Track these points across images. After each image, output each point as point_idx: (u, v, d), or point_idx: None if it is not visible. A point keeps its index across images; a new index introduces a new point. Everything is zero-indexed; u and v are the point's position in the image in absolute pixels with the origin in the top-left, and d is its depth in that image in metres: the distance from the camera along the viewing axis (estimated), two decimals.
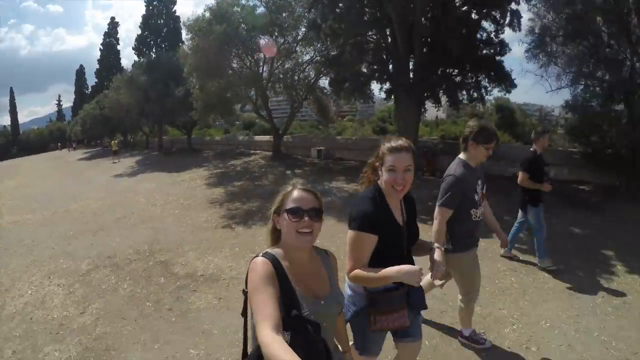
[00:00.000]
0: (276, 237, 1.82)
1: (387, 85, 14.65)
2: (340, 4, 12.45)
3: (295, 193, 1.73)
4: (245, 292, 1.67)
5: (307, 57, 18.24)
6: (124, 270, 6.41)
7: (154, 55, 32.08)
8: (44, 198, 14.76)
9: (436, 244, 2.38)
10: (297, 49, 17.81)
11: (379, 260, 2.23)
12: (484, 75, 13.59)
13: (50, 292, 5.73)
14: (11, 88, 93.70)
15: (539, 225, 5.71)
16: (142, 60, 31.39)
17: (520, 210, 6.02)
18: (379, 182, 2.35)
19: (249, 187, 13.76)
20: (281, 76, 18.39)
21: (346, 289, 2.43)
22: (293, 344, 1.43)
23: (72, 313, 5.03)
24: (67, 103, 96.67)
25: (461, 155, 3.47)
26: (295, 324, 1.55)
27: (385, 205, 2.31)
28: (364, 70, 14.61)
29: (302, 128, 45.91)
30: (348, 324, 2.37)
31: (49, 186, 18.62)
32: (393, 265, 2.16)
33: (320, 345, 1.62)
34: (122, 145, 37.17)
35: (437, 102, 14.85)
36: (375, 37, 13.71)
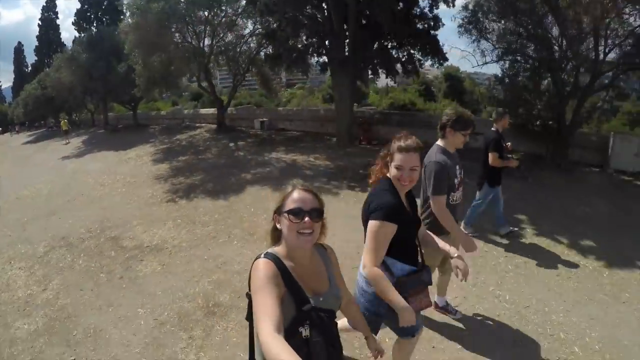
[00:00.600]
0: (277, 236, 1.87)
1: (323, 59, 15.23)
2: None
3: (296, 194, 1.79)
4: (249, 296, 1.72)
5: (247, 30, 18.50)
6: (78, 248, 7.06)
7: (95, 31, 31.10)
8: None
9: (455, 253, 2.62)
10: (239, 22, 18.07)
11: (394, 249, 2.42)
12: (417, 49, 14.24)
13: (13, 276, 6.33)
14: None
15: (484, 202, 6.16)
16: (82, 36, 30.54)
17: (478, 191, 6.29)
18: (390, 175, 2.54)
19: (192, 162, 14.29)
20: (222, 49, 18.70)
21: (361, 282, 2.63)
22: (312, 335, 1.63)
23: (35, 291, 5.69)
24: (7, 83, 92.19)
25: (439, 142, 3.61)
26: (310, 317, 1.65)
27: (399, 197, 2.49)
28: (300, 44, 15.03)
29: (251, 97, 45.86)
30: (383, 323, 2.65)
31: None
32: (407, 253, 2.53)
33: (334, 329, 1.79)
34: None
35: (375, 74, 15.53)
36: (310, 12, 14.05)
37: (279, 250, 1.79)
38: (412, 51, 14.47)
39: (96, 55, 25.20)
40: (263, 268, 1.65)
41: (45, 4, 60.97)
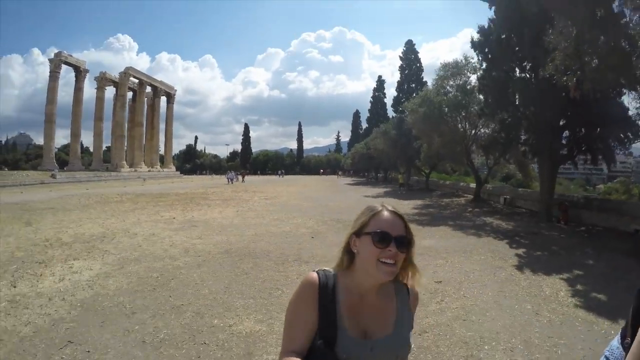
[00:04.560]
0: (349, 259, 1.60)
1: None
2: (489, 96, 17.99)
3: (385, 215, 1.56)
4: None
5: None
6: (322, 221, 14.69)
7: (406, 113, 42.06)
8: (309, 197, 25.97)
9: None
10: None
11: None
12: (616, 142, 15.87)
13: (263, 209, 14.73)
14: (299, 122, 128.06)
15: None
16: (394, 117, 42.24)
17: None
18: None
19: (430, 211, 20.62)
20: (479, 138, 24.96)
21: None
22: None
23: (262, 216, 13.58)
24: (345, 138, 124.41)
25: None
26: (321, 355, 1.44)
27: None
28: (502, 138, 19.08)
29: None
30: None
31: (315, 194, 30.03)
32: None
33: None
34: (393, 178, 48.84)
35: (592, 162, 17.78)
36: (513, 113, 17.56)
37: (342, 272, 1.60)
38: (609, 142, 16.03)
39: (400, 132, 35.15)
40: (304, 284, 1.55)
41: (376, 86, 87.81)
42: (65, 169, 55.62)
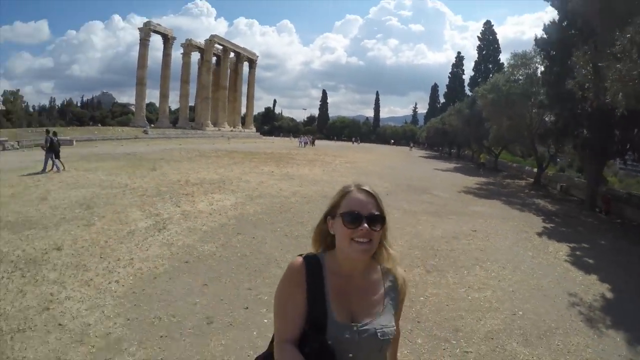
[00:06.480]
0: (329, 241, 1.66)
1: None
2: (550, 89, 19.52)
3: (354, 194, 1.59)
4: None
5: None
6: (395, 184, 18.08)
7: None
8: (385, 165, 29.26)
9: None
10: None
11: None
12: None
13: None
14: (377, 91, 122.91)
15: None
16: (469, 96, 45.61)
17: None
18: None
19: (491, 188, 22.85)
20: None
21: None
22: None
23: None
24: (422, 109, 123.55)
25: None
26: (312, 341, 1.47)
27: None
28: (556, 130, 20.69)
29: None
30: None
31: (390, 163, 33.25)
32: None
33: None
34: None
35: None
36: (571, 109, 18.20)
37: (328, 254, 1.64)
38: None
39: (473, 112, 37.23)
40: (290, 270, 1.58)
41: (454, 62, 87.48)
42: (152, 125, 61.96)
